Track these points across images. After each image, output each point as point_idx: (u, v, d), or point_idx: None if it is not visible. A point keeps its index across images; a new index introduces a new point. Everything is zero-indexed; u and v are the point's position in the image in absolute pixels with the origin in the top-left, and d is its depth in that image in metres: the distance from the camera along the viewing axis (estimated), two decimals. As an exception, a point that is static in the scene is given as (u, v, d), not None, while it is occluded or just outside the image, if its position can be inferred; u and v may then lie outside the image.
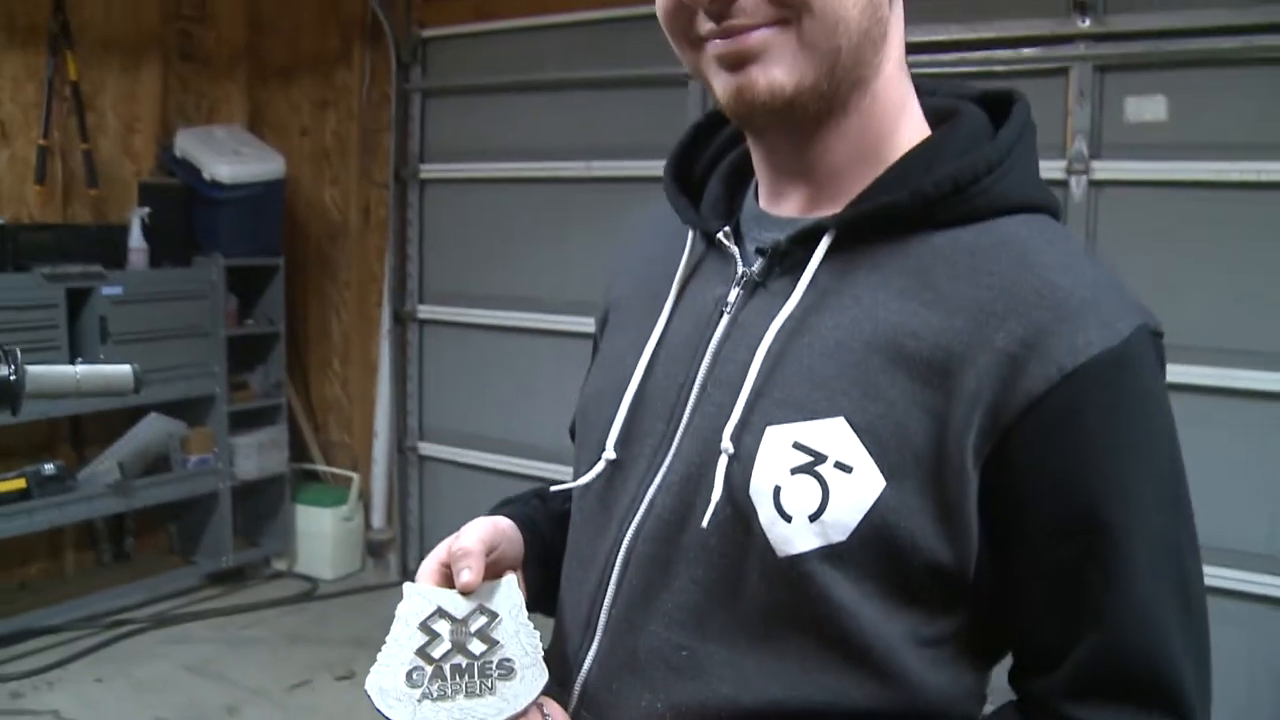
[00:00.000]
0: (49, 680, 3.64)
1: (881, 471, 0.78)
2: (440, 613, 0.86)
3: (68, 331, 3.83)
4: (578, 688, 0.91)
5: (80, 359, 3.79)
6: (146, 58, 4.50)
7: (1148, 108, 3.17)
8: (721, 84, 0.83)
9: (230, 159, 4.32)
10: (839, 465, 0.79)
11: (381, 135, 4.69)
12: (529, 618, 0.88)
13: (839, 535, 0.79)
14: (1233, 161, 3.03)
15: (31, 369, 1.18)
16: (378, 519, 4.89)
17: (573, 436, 1.05)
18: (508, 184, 4.35)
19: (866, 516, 0.78)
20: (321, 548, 4.75)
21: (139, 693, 3.60)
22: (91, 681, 3.66)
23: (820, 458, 0.79)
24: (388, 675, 0.83)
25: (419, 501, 4.80)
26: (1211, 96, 3.07)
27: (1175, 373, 2.85)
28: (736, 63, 0.81)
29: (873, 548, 0.79)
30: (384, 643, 0.85)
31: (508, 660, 0.84)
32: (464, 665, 0.83)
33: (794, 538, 0.80)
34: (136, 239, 4.12)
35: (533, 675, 0.83)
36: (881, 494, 0.78)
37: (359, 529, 4.87)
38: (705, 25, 0.81)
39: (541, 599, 1.00)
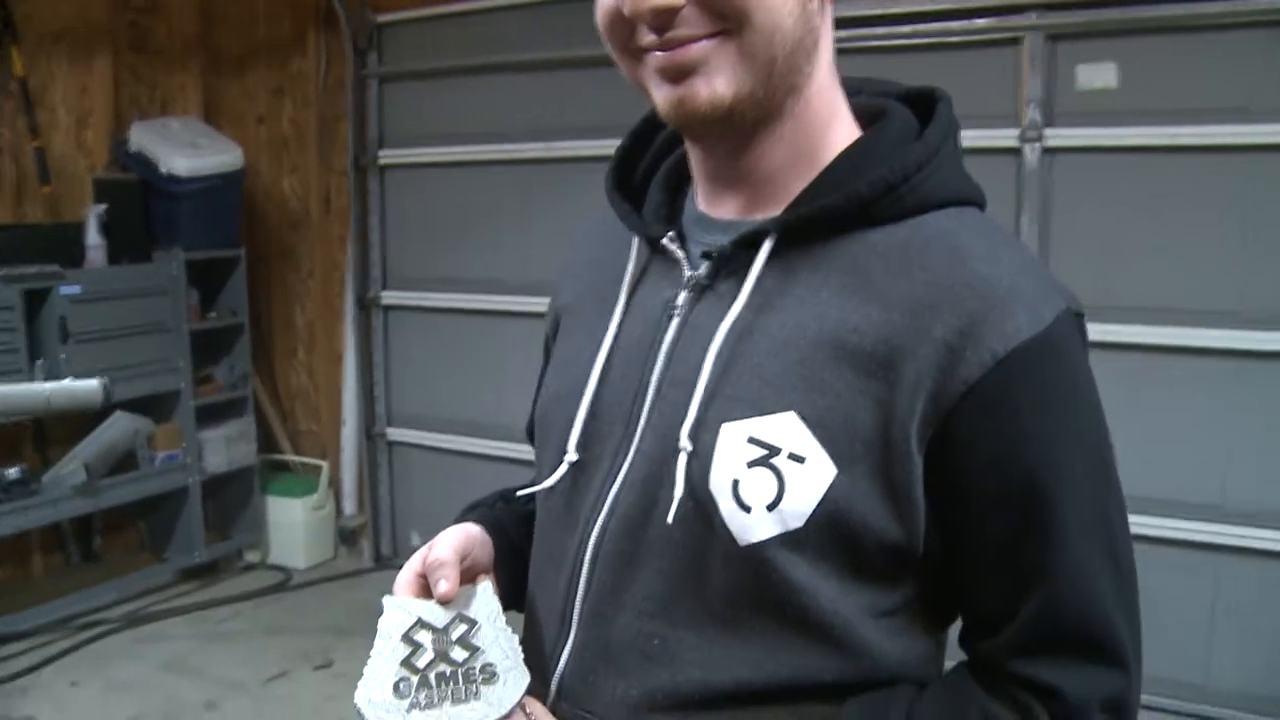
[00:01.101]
0: (22, 686, 3.61)
1: (832, 460, 0.83)
2: (421, 623, 0.89)
3: (25, 334, 3.79)
4: (555, 682, 0.94)
5: (40, 360, 3.76)
6: (96, 50, 4.43)
7: (1099, 75, 3.21)
8: (663, 95, 0.85)
9: (187, 151, 4.27)
10: (792, 456, 0.83)
11: (339, 122, 4.67)
12: (506, 621, 0.91)
13: (796, 522, 0.83)
14: (1183, 126, 3.08)
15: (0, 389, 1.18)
16: (349, 506, 4.90)
17: (530, 439, 1.08)
18: (469, 167, 4.34)
19: (821, 503, 0.83)
20: (294, 537, 4.75)
21: (115, 694, 3.58)
22: (67, 685, 3.64)
23: (774, 450, 0.84)
24: (376, 688, 0.86)
25: (389, 487, 4.81)
26: (1161, 63, 3.11)
27: (1127, 332, 2.93)
28: (678, 75, 0.83)
29: (828, 531, 0.83)
30: (369, 656, 0.88)
31: (489, 665, 0.87)
32: (448, 673, 0.86)
33: (754, 527, 0.84)
34: (93, 236, 4.08)
35: (515, 678, 0.87)
36: (833, 481, 0.83)
37: (330, 517, 4.88)
38: (646, 37, 0.84)
39: (512, 596, 1.02)
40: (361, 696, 0.86)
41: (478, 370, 4.38)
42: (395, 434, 4.76)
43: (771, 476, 0.83)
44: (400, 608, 0.90)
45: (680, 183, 1.00)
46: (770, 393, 0.85)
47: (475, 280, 4.35)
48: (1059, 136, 3.26)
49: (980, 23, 3.30)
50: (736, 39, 0.82)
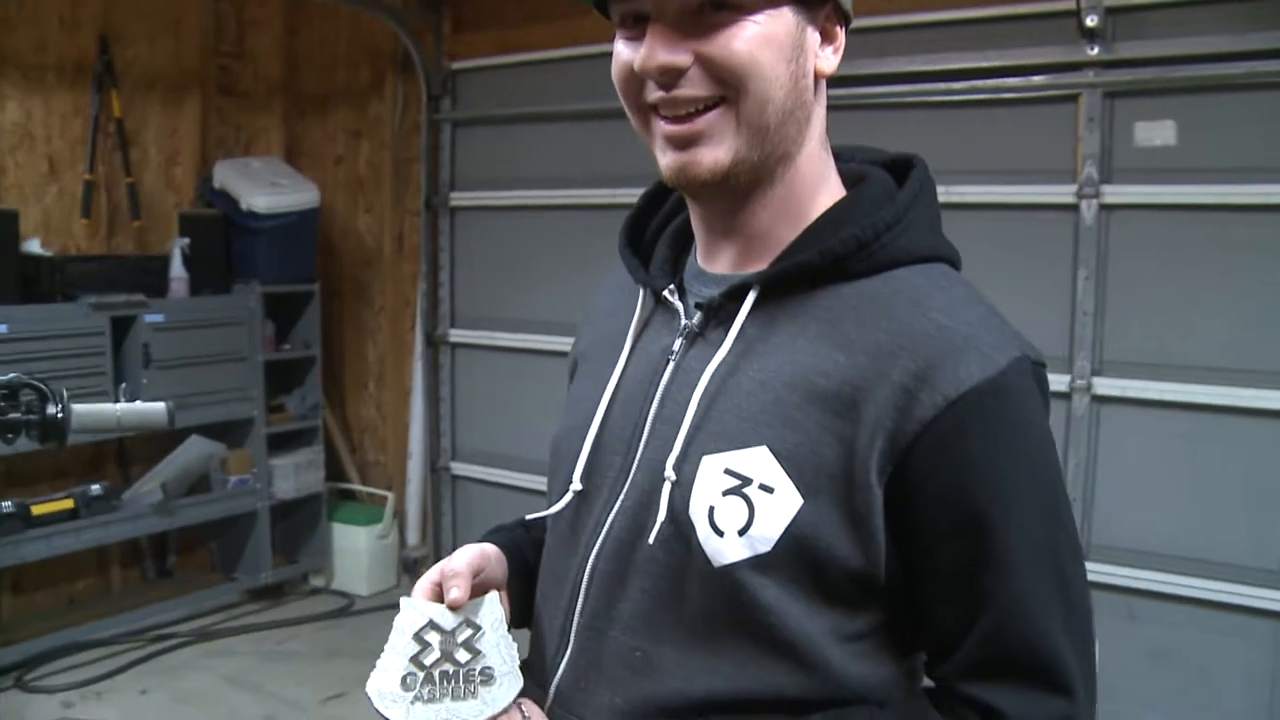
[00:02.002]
0: (97, 691, 3.80)
1: (799, 491, 0.91)
2: (432, 625, 0.98)
3: (112, 358, 4.00)
4: (553, 689, 1.03)
5: (124, 384, 3.95)
6: (187, 93, 4.67)
7: (1157, 132, 3.23)
8: (668, 160, 0.96)
9: (267, 189, 4.47)
10: (763, 487, 0.91)
11: (413, 164, 4.83)
12: (509, 631, 1.00)
13: (764, 546, 0.91)
14: (1241, 185, 3.08)
15: (76, 408, 1.30)
16: (412, 536, 5.02)
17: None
18: (535, 211, 4.47)
19: (787, 530, 0.91)
20: (357, 564, 4.88)
21: (181, 704, 3.74)
22: (137, 693, 3.81)
23: (747, 481, 0.92)
24: (385, 679, 0.96)
25: (451, 519, 4.91)
26: (1220, 121, 3.12)
27: (1184, 391, 2.91)
28: (684, 143, 0.94)
29: (794, 556, 0.91)
30: (383, 650, 0.98)
31: (489, 668, 0.96)
32: (451, 672, 0.96)
33: (726, 550, 0.92)
34: (177, 268, 4.28)
35: (510, 681, 0.96)
36: (799, 510, 0.90)
37: (394, 546, 5.00)
38: (654, 94, 0.94)
39: (524, 611, 1.12)
40: (372, 686, 0.95)
41: (539, 409, 4.47)
42: (459, 468, 4.88)
43: (743, 504, 0.91)
44: (414, 609, 0.99)
45: (686, 241, 1.10)
46: (747, 429, 0.93)
47: (539, 321, 4.45)
48: (1116, 193, 3.27)
49: (1037, 79, 3.34)
50: (734, 107, 0.92)
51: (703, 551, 0.93)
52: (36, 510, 3.86)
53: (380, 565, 4.93)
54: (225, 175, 4.52)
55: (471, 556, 1.05)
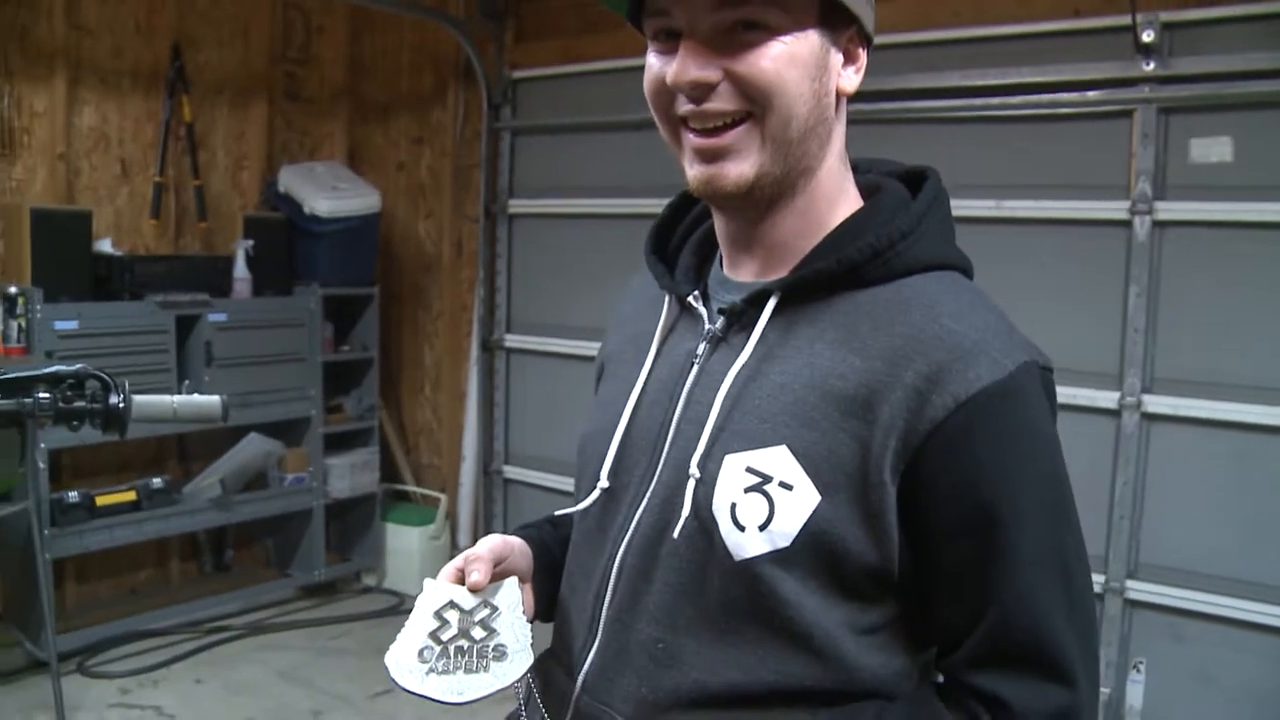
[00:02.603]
0: (154, 679, 3.92)
1: (817, 488, 0.95)
2: (452, 604, 1.04)
3: (176, 356, 4.12)
4: (581, 678, 1.07)
5: (187, 381, 4.07)
6: (255, 98, 4.80)
7: (1213, 149, 3.20)
8: (696, 172, 1.00)
9: (329, 194, 4.58)
10: (782, 484, 0.95)
11: (473, 171, 4.91)
12: (524, 614, 1.04)
13: (784, 541, 0.95)
14: (1298, 203, 3.04)
15: (136, 399, 1.36)
16: (464, 538, 5.08)
17: None
18: (591, 219, 4.52)
19: (805, 525, 0.94)
20: (409, 564, 4.96)
21: (233, 694, 3.84)
22: (192, 682, 3.92)
23: (767, 478, 0.96)
24: (403, 651, 1.01)
25: (503, 522, 4.97)
26: (1277, 138, 3.09)
27: (1235, 411, 2.89)
28: (712, 157, 0.98)
29: (811, 550, 0.95)
30: (404, 625, 1.03)
31: (502, 645, 1.00)
32: (466, 647, 1.00)
33: (747, 544, 0.96)
34: (241, 269, 4.40)
35: (521, 659, 1.00)
36: (817, 507, 0.94)
37: (446, 548, 5.06)
38: (684, 106, 0.98)
39: (546, 606, 1.17)
40: (391, 657, 1.00)
41: (591, 415, 4.52)
42: (511, 472, 4.94)
43: (764, 501, 0.95)
44: (437, 588, 1.05)
45: (710, 249, 1.14)
46: (767, 429, 0.97)
47: (592, 328, 4.48)
48: (1170, 210, 3.25)
49: (1092, 95, 3.33)
50: (760, 123, 0.96)
51: (724, 546, 0.97)
52: (100, 501, 3.99)
53: (432, 566, 4.95)
54: (289, 179, 4.64)
55: (495, 545, 1.10)
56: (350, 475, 4.86)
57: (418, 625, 1.02)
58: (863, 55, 1.03)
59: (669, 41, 0.98)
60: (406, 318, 5.27)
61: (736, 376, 1.00)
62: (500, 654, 0.99)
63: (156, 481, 4.18)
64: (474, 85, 4.82)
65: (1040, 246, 3.46)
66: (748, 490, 0.96)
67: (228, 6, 4.67)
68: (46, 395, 1.34)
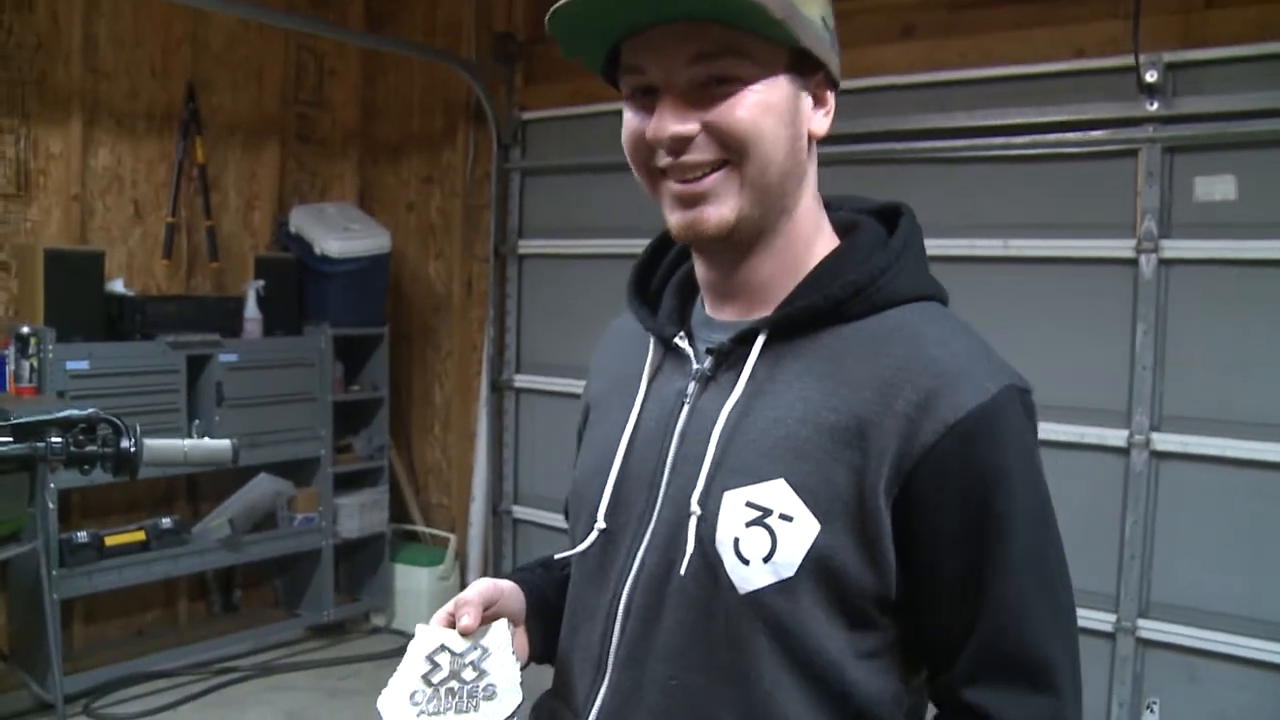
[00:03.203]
0: (161, 721, 3.89)
1: (816, 518, 0.98)
2: (443, 647, 1.06)
3: (187, 396, 4.14)
4: (593, 717, 1.08)
5: (197, 421, 4.09)
6: (267, 140, 4.86)
7: (1217, 187, 3.22)
8: (677, 217, 1.03)
9: (340, 234, 4.61)
10: (783, 516, 0.99)
11: (483, 212, 4.95)
12: (514, 655, 1.06)
13: (788, 571, 0.98)
14: (1304, 240, 3.05)
15: (147, 443, 1.37)
16: (473, 578, 5.02)
17: (566, 515, 1.25)
18: (601, 259, 4.54)
19: (807, 554, 0.98)
20: (419, 605, 4.93)
21: (241, 737, 3.82)
22: (199, 725, 3.90)
23: (768, 511, 0.99)
24: (395, 695, 1.03)
25: (512, 562, 4.96)
26: (1281, 176, 3.11)
27: (1245, 448, 2.89)
28: (692, 202, 1.02)
29: (815, 578, 0.98)
30: (397, 669, 1.05)
31: (492, 685, 1.02)
32: (456, 689, 1.02)
33: (752, 577, 0.99)
34: (252, 309, 4.43)
35: (511, 698, 1.02)
36: (818, 536, 0.98)
37: (455, 588, 5.03)
38: (664, 159, 1.02)
39: (547, 646, 1.18)
40: (382, 701, 1.02)
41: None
42: (520, 512, 4.94)
43: (766, 534, 0.99)
44: (428, 633, 1.08)
45: (691, 291, 1.17)
46: (764, 463, 1.00)
47: (601, 367, 4.49)
48: (1176, 248, 3.26)
49: (1097, 134, 3.36)
50: (738, 170, 1.00)
51: (730, 580, 1.00)
52: (109, 541, 3.99)
53: (441, 606, 4.96)
54: (300, 220, 4.67)
55: (485, 589, 1.11)
56: (359, 515, 4.86)
57: (410, 669, 1.04)
58: (831, 99, 1.07)
59: (645, 98, 1.02)
60: (416, 357, 5.29)
61: (730, 413, 1.03)
62: (490, 694, 1.01)
63: (165, 521, 4.19)
64: (484, 126, 4.87)
65: (1047, 285, 3.48)
66: (749, 524, 0.99)
67: (241, 50, 4.73)
68: (59, 440, 1.35)
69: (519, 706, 1.02)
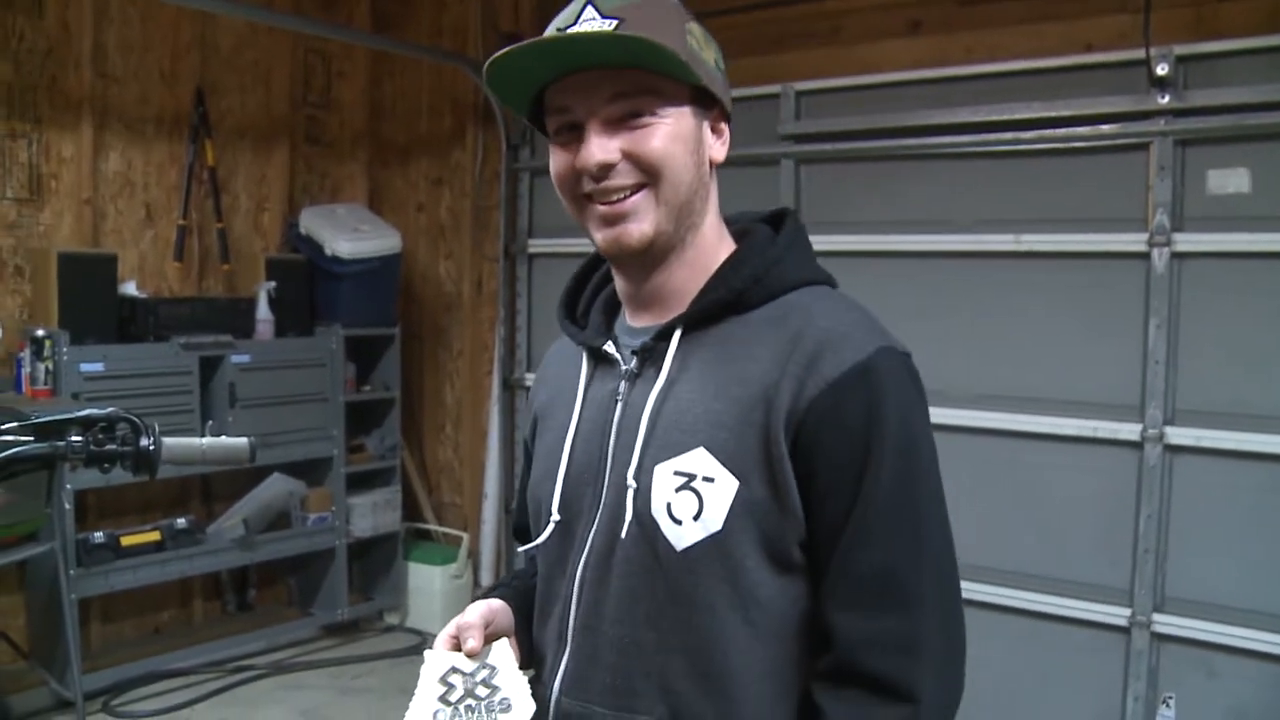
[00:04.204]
0: (178, 719, 3.91)
1: (735, 476, 1.13)
2: (454, 669, 1.17)
3: (200, 396, 4.16)
4: (557, 682, 1.22)
5: (210, 421, 4.10)
6: (276, 142, 4.87)
7: (1230, 180, 3.21)
8: (603, 235, 1.19)
9: (350, 235, 4.62)
10: (706, 479, 1.13)
11: (492, 212, 4.96)
12: (519, 668, 1.19)
13: (716, 526, 1.13)
14: (1317, 232, 3.04)
15: (166, 441, 1.38)
16: (486, 576, 5.08)
17: (518, 537, 1.42)
18: (609, 257, 4.53)
19: (730, 509, 1.12)
20: (432, 603, 4.96)
21: (257, 736, 3.84)
22: (214, 723, 3.91)
23: (692, 476, 1.14)
24: (417, 718, 1.13)
25: (524, 560, 4.95)
26: (1295, 169, 3.10)
27: (1259, 442, 2.90)
28: (615, 220, 1.17)
29: (740, 529, 1.12)
30: (413, 694, 1.15)
31: (505, 698, 1.15)
32: (474, 705, 1.14)
33: (686, 535, 1.14)
34: (263, 310, 4.44)
35: (525, 706, 1.16)
36: (737, 492, 1.12)
37: (468, 586, 5.06)
38: (589, 185, 1.17)
39: (530, 649, 1.31)
40: None
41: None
42: (532, 509, 4.93)
43: (693, 496, 1.13)
44: (437, 657, 1.18)
45: (614, 307, 1.33)
46: (686, 437, 1.16)
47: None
48: (1188, 241, 3.26)
49: (1107, 128, 3.35)
50: (655, 190, 1.16)
51: (667, 540, 1.14)
52: (125, 541, 4.02)
53: (454, 604, 4.97)
54: (311, 221, 4.69)
55: (482, 611, 1.24)
56: (372, 514, 4.88)
57: (425, 693, 1.15)
58: (726, 130, 1.24)
59: (569, 133, 1.17)
60: (427, 357, 5.30)
61: (655, 400, 1.18)
62: (506, 706, 1.15)
63: (180, 522, 4.21)
64: (492, 127, 4.88)
65: (1059, 280, 3.47)
66: (678, 490, 1.14)
67: (249, 53, 4.74)
68: (79, 438, 1.36)
69: (533, 715, 1.14)
